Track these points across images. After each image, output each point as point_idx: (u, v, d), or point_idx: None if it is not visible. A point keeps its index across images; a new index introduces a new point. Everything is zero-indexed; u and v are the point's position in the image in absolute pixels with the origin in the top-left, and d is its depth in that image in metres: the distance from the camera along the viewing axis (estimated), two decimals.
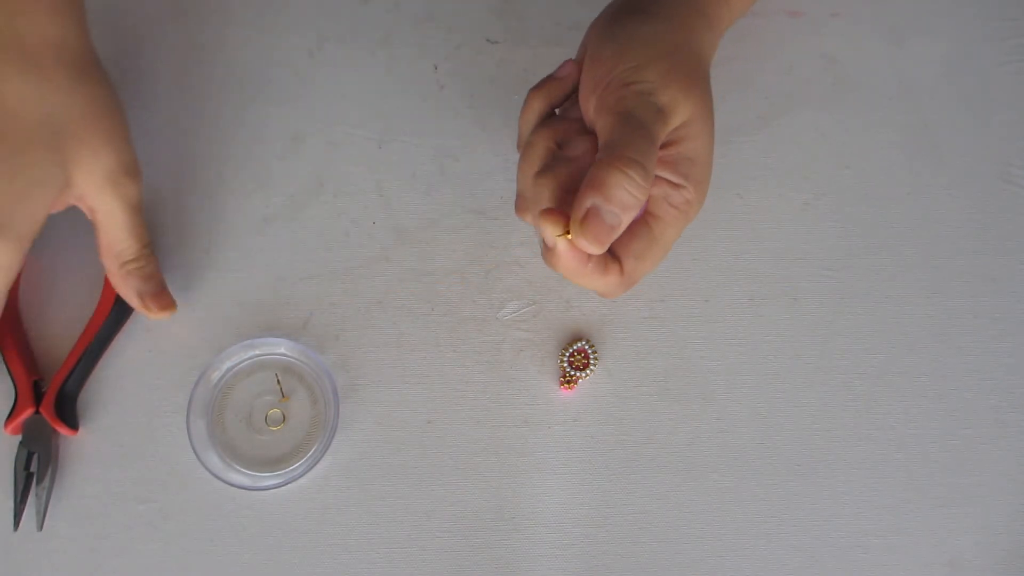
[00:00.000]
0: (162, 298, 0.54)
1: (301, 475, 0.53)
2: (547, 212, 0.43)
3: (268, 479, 0.53)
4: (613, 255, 0.46)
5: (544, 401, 0.55)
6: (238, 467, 0.54)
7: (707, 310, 0.56)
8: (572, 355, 0.55)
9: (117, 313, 0.55)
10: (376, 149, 0.59)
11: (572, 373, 0.55)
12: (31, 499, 0.52)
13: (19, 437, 0.53)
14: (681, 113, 0.45)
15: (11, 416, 0.53)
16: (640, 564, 0.52)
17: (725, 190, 0.58)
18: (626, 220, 0.42)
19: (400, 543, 0.53)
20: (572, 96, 0.50)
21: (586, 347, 0.55)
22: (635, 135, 0.43)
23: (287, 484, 0.53)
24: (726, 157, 0.58)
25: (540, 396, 0.55)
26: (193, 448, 0.52)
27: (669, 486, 0.54)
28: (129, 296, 0.53)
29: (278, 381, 0.55)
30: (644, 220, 0.46)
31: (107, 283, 0.55)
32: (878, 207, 0.58)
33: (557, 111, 0.51)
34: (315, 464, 0.53)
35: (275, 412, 0.55)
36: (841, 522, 0.53)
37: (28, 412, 0.53)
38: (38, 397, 0.53)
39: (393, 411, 0.55)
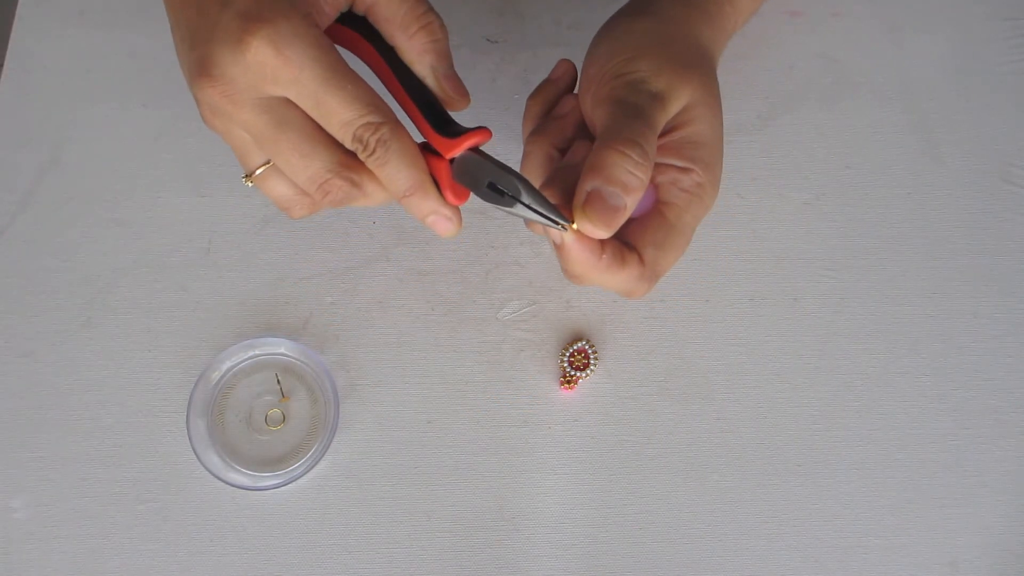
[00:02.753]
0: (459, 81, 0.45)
1: (301, 475, 0.53)
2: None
3: (268, 479, 0.53)
4: (630, 247, 0.45)
5: (544, 401, 0.55)
6: (238, 467, 0.54)
7: (707, 310, 0.56)
8: (572, 355, 0.55)
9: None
10: None
11: (572, 373, 0.55)
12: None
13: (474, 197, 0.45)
14: (680, 98, 0.44)
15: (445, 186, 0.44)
16: (640, 564, 0.52)
17: (725, 190, 0.57)
18: (631, 202, 0.41)
19: (400, 543, 0.53)
20: (567, 95, 0.50)
21: (586, 347, 0.55)
22: (629, 118, 0.43)
23: (287, 484, 0.53)
24: (726, 157, 0.58)
25: (540, 396, 0.55)
26: (193, 448, 0.52)
27: (669, 486, 0.54)
28: (424, 75, 0.44)
29: (278, 381, 0.55)
30: (658, 209, 0.46)
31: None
32: (878, 207, 0.58)
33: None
34: (315, 464, 0.53)
35: (275, 412, 0.55)
36: (841, 522, 0.53)
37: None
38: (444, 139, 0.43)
39: (393, 411, 0.55)
